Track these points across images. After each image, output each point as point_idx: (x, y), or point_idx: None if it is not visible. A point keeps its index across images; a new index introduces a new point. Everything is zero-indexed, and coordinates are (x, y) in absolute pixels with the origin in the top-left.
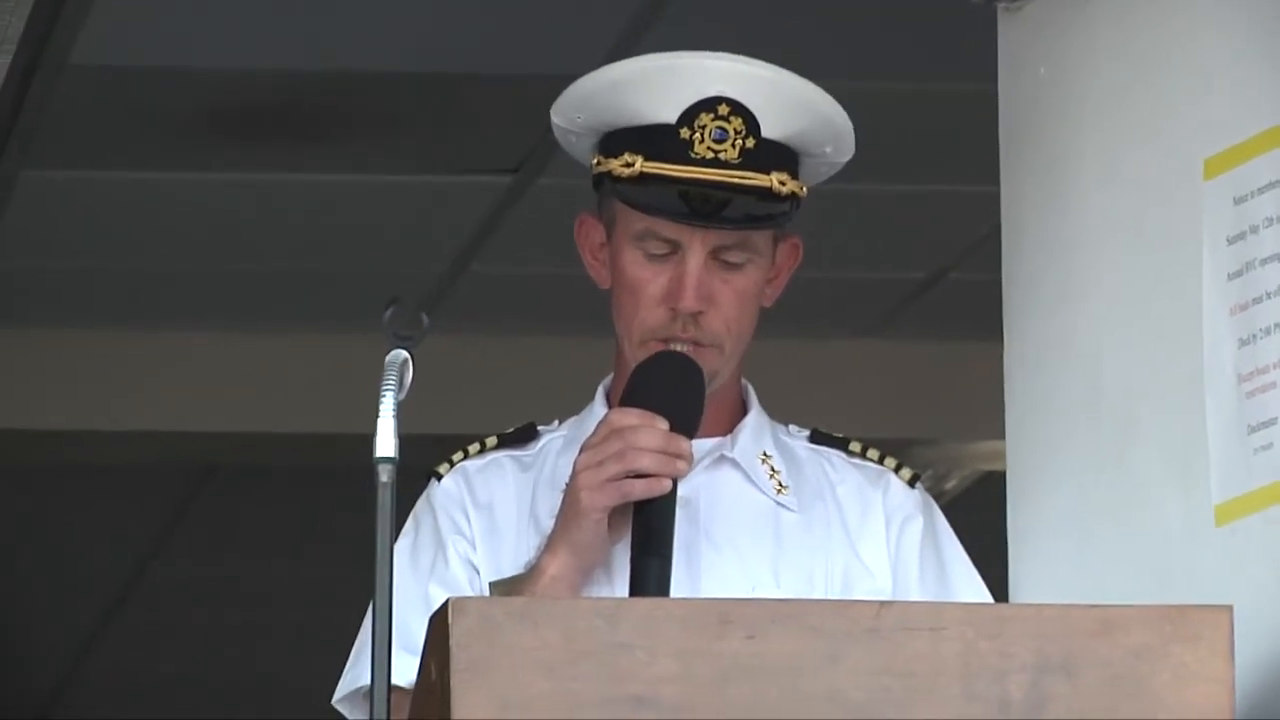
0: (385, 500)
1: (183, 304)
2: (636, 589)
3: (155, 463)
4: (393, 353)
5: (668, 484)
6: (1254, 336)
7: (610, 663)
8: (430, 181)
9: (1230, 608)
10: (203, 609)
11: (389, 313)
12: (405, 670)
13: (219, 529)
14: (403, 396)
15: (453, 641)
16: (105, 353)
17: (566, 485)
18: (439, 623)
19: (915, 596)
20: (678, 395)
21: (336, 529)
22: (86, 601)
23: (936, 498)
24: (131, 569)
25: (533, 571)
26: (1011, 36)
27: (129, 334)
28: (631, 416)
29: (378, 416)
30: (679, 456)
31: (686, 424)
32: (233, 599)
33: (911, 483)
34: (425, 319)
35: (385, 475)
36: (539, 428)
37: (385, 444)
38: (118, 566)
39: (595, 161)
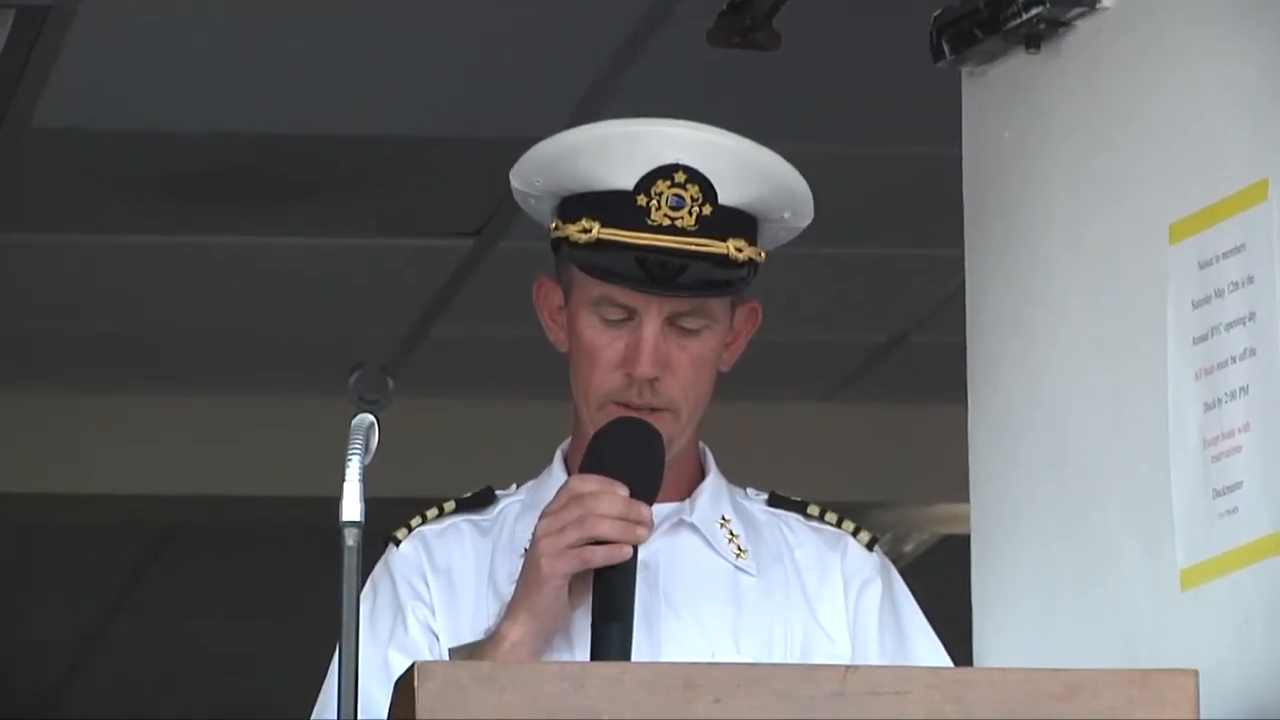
0: (351, 563)
1: (143, 367)
2: (598, 654)
3: (114, 525)
4: (359, 417)
5: (628, 551)
6: (1219, 400)
7: None
8: (391, 245)
9: (1195, 672)
10: (161, 671)
11: (354, 377)
12: None
13: (177, 592)
14: (368, 460)
15: (419, 706)
16: (65, 415)
17: (527, 551)
18: (404, 687)
19: (874, 660)
20: (637, 461)
21: (295, 593)
22: (45, 662)
23: (895, 561)
24: (90, 631)
25: (493, 638)
26: (976, 100)
27: (89, 397)
28: (591, 483)
29: (343, 480)
30: (639, 523)
31: (647, 490)
32: (191, 662)
33: (870, 546)
34: (390, 383)
35: (351, 539)
36: (497, 492)
37: (351, 508)
38: (76, 629)
39: (553, 225)
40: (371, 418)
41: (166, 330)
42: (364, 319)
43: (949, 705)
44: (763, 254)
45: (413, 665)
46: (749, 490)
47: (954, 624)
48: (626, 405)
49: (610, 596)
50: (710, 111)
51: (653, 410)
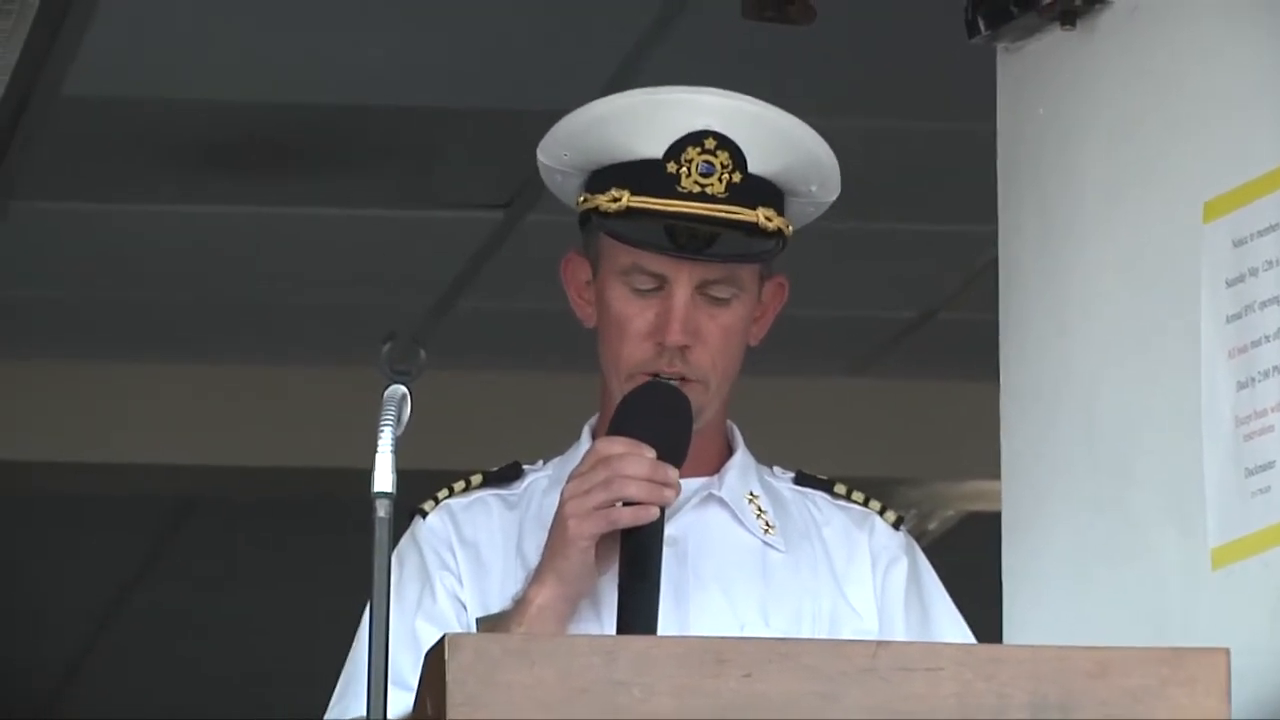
0: (383, 535)
1: (170, 336)
2: (624, 614)
3: (136, 495)
4: (391, 387)
5: (655, 512)
6: (1252, 379)
7: (607, 700)
8: (421, 216)
9: (1227, 650)
10: (183, 642)
11: (386, 347)
12: (392, 705)
13: (199, 563)
14: (400, 431)
15: (449, 678)
16: (90, 384)
17: (554, 515)
18: (435, 659)
19: (900, 638)
20: (664, 425)
21: (318, 563)
22: (66, 634)
23: (919, 538)
24: (111, 602)
25: (519, 602)
26: (1011, 75)
27: (115, 365)
28: (618, 445)
29: (374, 451)
30: (666, 484)
31: (673, 453)
32: (213, 633)
33: (896, 525)
34: (422, 354)
35: (383, 510)
36: (524, 466)
37: (383, 479)
38: (97, 599)
39: (582, 199)
40: (404, 389)
41: (194, 300)
42: (392, 291)
43: (980, 682)
44: (790, 227)
45: (443, 637)
46: (775, 469)
47: (977, 601)
48: (656, 375)
49: (637, 557)
50: (742, 85)
51: (683, 380)
